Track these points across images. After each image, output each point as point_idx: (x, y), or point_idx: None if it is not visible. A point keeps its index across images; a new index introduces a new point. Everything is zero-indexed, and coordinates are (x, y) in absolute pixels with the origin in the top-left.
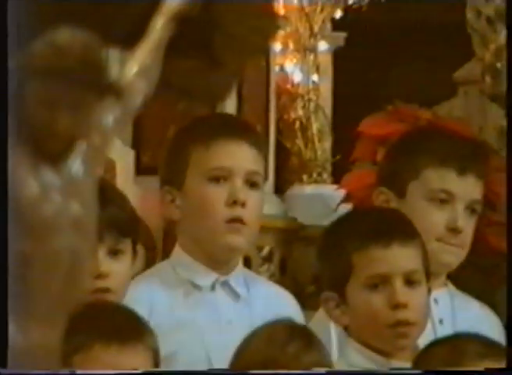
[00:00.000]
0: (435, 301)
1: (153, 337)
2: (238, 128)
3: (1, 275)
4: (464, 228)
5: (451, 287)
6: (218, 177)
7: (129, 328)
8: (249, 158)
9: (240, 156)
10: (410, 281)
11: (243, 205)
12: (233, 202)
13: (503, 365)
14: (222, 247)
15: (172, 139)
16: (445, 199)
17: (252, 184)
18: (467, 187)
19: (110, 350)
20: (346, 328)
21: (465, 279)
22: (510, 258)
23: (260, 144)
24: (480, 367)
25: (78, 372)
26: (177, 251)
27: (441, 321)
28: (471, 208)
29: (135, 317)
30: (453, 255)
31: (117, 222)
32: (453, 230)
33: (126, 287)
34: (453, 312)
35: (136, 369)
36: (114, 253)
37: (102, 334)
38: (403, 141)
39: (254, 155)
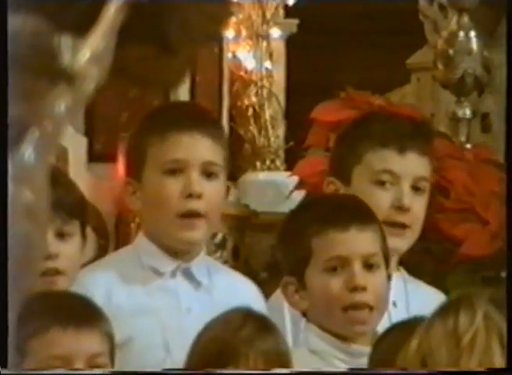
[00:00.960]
0: (409, 281)
1: (107, 322)
2: (193, 119)
3: (1, 276)
4: (411, 206)
5: (403, 272)
6: (174, 170)
7: (84, 313)
8: (204, 149)
9: (194, 147)
10: (368, 265)
11: (199, 197)
12: (189, 195)
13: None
14: (177, 241)
15: (132, 130)
16: (389, 180)
17: (209, 175)
18: (410, 165)
19: (66, 335)
20: (304, 313)
21: (417, 265)
22: (510, 258)
23: (217, 133)
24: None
25: (80, 372)
26: (140, 238)
27: (394, 304)
28: (416, 187)
29: (90, 303)
30: (402, 239)
31: (64, 204)
32: (400, 209)
33: (77, 270)
34: (406, 296)
35: (92, 353)
36: (62, 235)
37: (58, 319)
38: (346, 128)
39: (211, 145)
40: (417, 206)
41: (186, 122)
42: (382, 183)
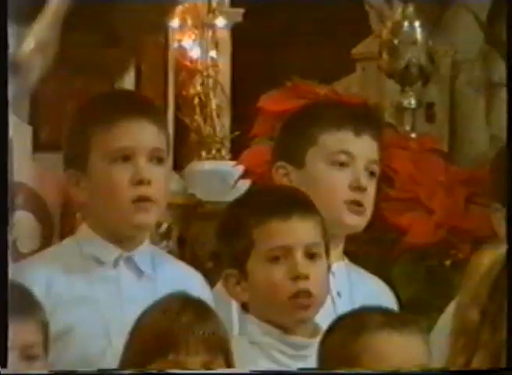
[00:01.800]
0: (333, 274)
1: (42, 311)
2: (137, 106)
3: (1, 278)
4: (366, 187)
5: (347, 261)
6: (122, 157)
7: (20, 303)
8: (151, 136)
9: (141, 135)
10: (310, 254)
11: (148, 183)
12: (139, 181)
13: (402, 334)
14: (130, 226)
15: (72, 120)
16: (345, 161)
17: (157, 161)
18: (364, 147)
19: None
20: (244, 305)
21: (362, 254)
22: (510, 257)
23: (160, 120)
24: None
25: (79, 371)
26: (83, 229)
27: (339, 293)
28: (369, 170)
29: (26, 293)
30: (361, 217)
31: None
32: (357, 189)
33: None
34: (350, 285)
35: (27, 343)
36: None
37: None
38: (295, 114)
39: (156, 132)
40: (371, 188)
41: (132, 109)
42: (338, 164)
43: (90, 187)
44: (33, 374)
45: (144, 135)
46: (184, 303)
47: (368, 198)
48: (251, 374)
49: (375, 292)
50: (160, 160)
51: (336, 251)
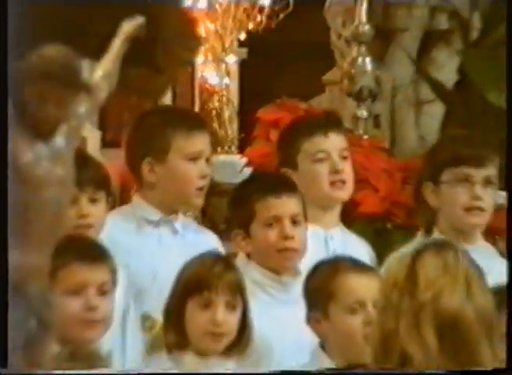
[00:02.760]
0: (331, 237)
1: (112, 261)
2: (200, 122)
3: (1, 282)
4: (343, 169)
5: (342, 226)
6: (195, 158)
7: (96, 253)
8: (208, 143)
9: (205, 142)
10: (294, 221)
11: (206, 177)
12: (202, 177)
13: (366, 275)
14: (186, 205)
15: (143, 125)
16: (323, 157)
17: (208, 161)
18: (333, 142)
19: (81, 269)
20: (247, 255)
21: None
22: (510, 256)
23: (207, 130)
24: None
25: (77, 372)
26: (136, 199)
27: (334, 251)
28: (342, 156)
29: (100, 245)
30: (344, 191)
31: (93, 179)
32: (336, 172)
33: (103, 225)
34: (343, 245)
35: (102, 281)
36: (93, 201)
37: (77, 257)
38: (284, 132)
39: (208, 139)
40: (347, 168)
41: (196, 123)
42: (319, 160)
43: (162, 173)
44: (33, 374)
45: (206, 143)
46: (216, 258)
47: (347, 176)
48: (252, 374)
49: (360, 250)
50: (207, 160)
51: (333, 219)
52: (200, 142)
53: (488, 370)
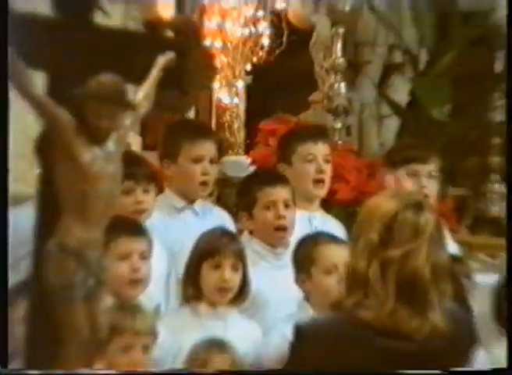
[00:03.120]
0: (313, 217)
1: (149, 235)
2: (208, 131)
3: (1, 282)
4: (325, 170)
5: (322, 211)
6: (198, 160)
7: (137, 229)
8: (213, 147)
9: (210, 148)
10: (286, 205)
11: (208, 174)
12: (204, 173)
13: (340, 247)
14: (196, 195)
15: (168, 134)
16: (311, 159)
17: (213, 162)
18: (320, 148)
19: (127, 240)
20: (250, 232)
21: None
22: (510, 256)
23: (217, 139)
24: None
25: (77, 372)
26: (166, 190)
27: (315, 228)
28: (326, 160)
29: (139, 223)
30: (321, 189)
31: (146, 175)
32: (320, 172)
33: (153, 210)
34: (322, 223)
35: (142, 250)
36: (146, 191)
37: (123, 232)
38: (284, 137)
39: (214, 145)
40: (328, 170)
41: (205, 133)
42: (308, 161)
43: (176, 170)
44: (34, 374)
45: (210, 149)
46: (223, 231)
47: (327, 176)
48: (253, 373)
49: (335, 227)
50: (213, 161)
51: (315, 206)
52: (203, 148)
53: (488, 370)
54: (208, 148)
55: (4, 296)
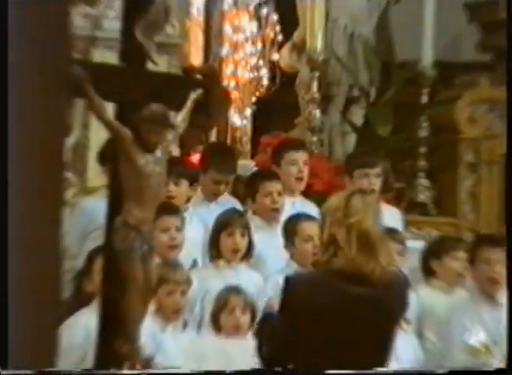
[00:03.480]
0: (296, 202)
1: (182, 214)
2: (229, 151)
3: (1, 282)
4: (304, 171)
5: (302, 198)
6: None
7: (173, 210)
8: (235, 167)
9: (233, 167)
10: (279, 194)
11: (227, 184)
12: (217, 182)
13: (313, 223)
14: (215, 196)
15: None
16: (294, 162)
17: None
18: (301, 155)
19: (167, 219)
20: (253, 212)
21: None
22: (510, 258)
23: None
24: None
25: (77, 371)
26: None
27: (297, 210)
28: (304, 163)
29: (175, 206)
30: (301, 184)
31: (185, 174)
32: (300, 172)
33: (184, 199)
34: (302, 207)
35: (175, 227)
36: (176, 184)
37: (165, 212)
38: (276, 147)
39: (236, 163)
40: (306, 171)
41: (228, 153)
42: (292, 164)
43: (202, 179)
44: (33, 374)
45: (234, 167)
46: (234, 211)
47: (305, 175)
48: (253, 373)
49: (311, 210)
50: (227, 184)
51: (297, 195)
52: (225, 167)
53: (488, 370)
54: (233, 167)
55: (4, 296)
